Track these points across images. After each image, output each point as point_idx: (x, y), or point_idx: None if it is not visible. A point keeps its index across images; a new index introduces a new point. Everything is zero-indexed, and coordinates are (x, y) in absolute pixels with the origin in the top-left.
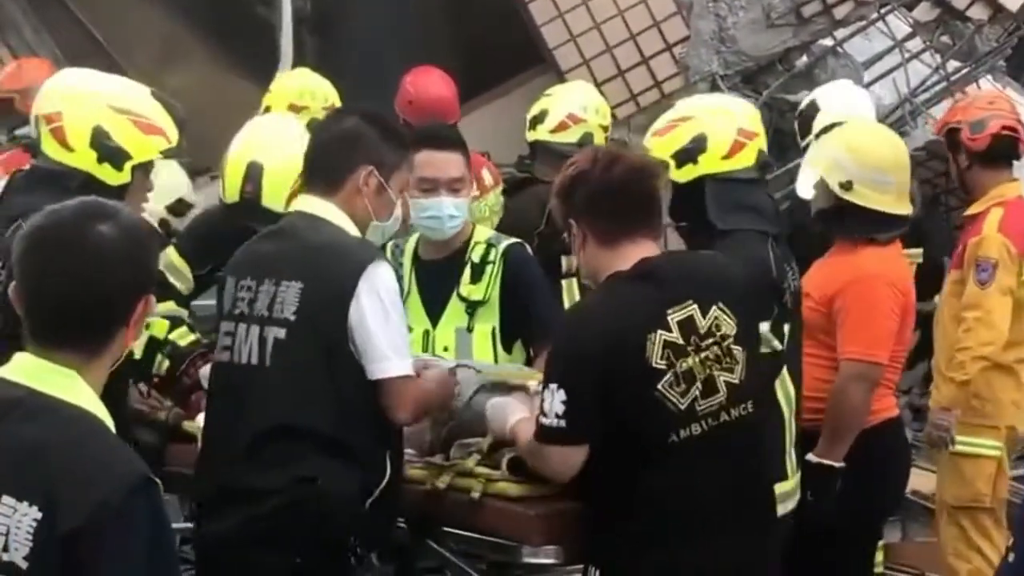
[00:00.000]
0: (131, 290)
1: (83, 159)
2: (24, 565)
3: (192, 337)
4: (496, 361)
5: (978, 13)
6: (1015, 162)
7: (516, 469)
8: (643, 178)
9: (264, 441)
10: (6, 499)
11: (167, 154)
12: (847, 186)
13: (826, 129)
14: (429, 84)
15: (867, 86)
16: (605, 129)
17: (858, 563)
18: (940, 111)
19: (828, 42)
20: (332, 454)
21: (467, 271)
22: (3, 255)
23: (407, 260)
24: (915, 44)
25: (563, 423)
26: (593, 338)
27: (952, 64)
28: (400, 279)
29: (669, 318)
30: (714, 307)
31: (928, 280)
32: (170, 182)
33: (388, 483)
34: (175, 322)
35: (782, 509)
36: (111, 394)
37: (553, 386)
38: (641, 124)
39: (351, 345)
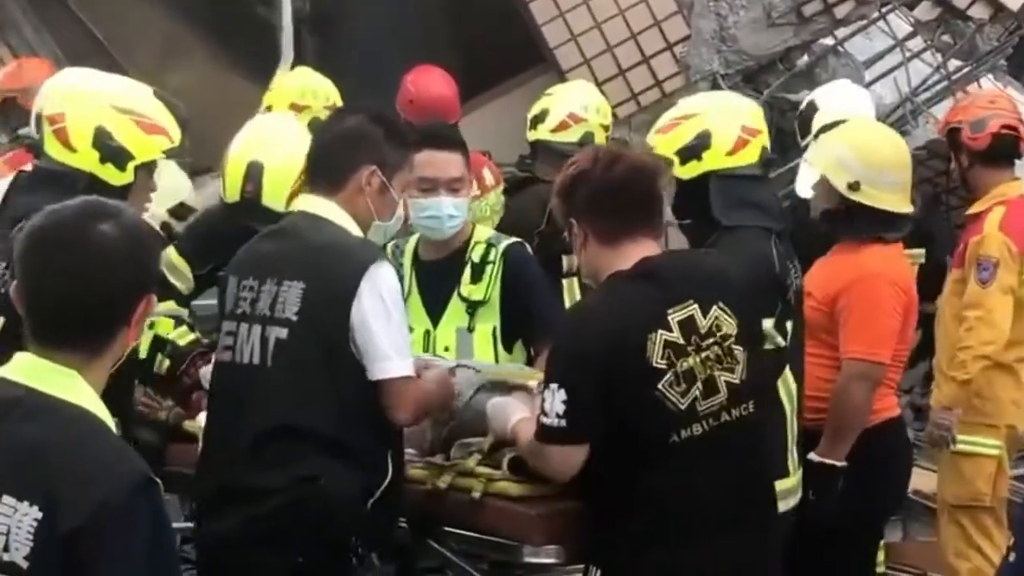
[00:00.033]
0: (132, 289)
1: (86, 159)
2: (25, 565)
3: (191, 336)
4: (497, 361)
5: (979, 12)
6: (1017, 161)
7: (517, 469)
8: (644, 177)
9: (266, 441)
10: (6, 499)
11: (170, 153)
12: (855, 186)
13: (825, 128)
14: (430, 83)
15: (868, 85)
16: (606, 128)
17: (860, 562)
18: (941, 110)
19: (829, 41)
20: (334, 454)
21: (467, 271)
22: (7, 256)
23: (407, 260)
24: (916, 43)
25: (564, 423)
26: (594, 338)
27: (953, 63)
28: (400, 279)
29: (670, 318)
30: (715, 307)
31: (931, 280)
32: (172, 186)
33: (390, 483)
34: (175, 321)
35: (783, 506)
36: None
37: (554, 386)
38: (642, 123)
39: (352, 345)
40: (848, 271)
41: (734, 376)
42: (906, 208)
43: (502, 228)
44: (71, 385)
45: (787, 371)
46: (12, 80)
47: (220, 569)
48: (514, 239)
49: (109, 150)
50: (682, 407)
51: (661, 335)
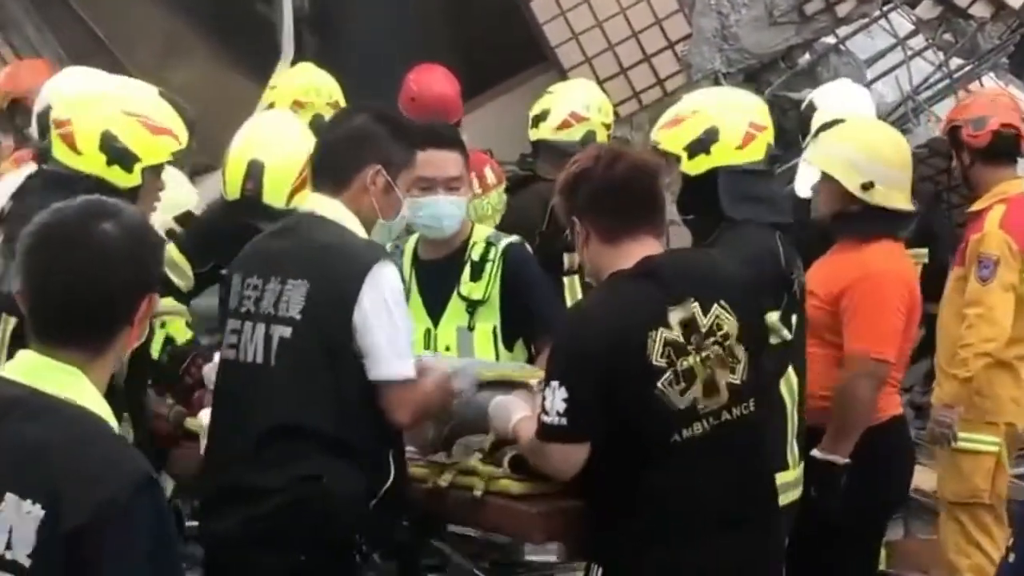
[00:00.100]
0: (134, 288)
1: (93, 163)
2: (27, 563)
3: (189, 334)
4: (498, 359)
5: (980, 11)
6: (1020, 159)
7: (518, 467)
8: (645, 176)
9: (269, 440)
10: (9, 497)
11: (177, 154)
12: (868, 187)
13: (823, 128)
14: (432, 82)
15: (870, 83)
16: (607, 127)
17: (862, 560)
18: (942, 108)
19: (831, 40)
20: (336, 454)
21: (467, 270)
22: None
23: (407, 260)
24: (918, 42)
25: (565, 421)
26: (595, 336)
27: (955, 62)
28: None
29: (670, 317)
30: (715, 306)
31: (934, 280)
32: (178, 196)
33: (393, 483)
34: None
35: (783, 499)
36: (130, 393)
37: (555, 384)
38: (643, 122)
39: (355, 346)
40: (852, 269)
41: (735, 376)
42: (911, 206)
43: (504, 227)
44: (74, 384)
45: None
46: (11, 82)
47: (223, 568)
48: (513, 238)
49: (115, 153)
50: (682, 406)
51: (661, 334)
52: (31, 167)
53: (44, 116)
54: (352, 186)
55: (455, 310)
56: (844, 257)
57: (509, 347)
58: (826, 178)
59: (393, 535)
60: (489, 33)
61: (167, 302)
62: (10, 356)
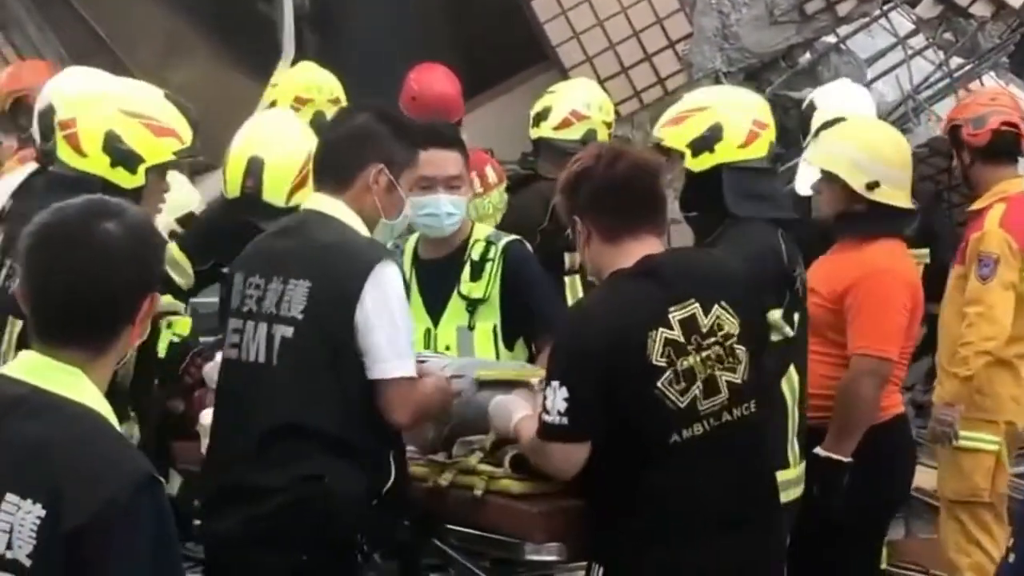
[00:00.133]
0: (136, 288)
1: (97, 164)
2: (28, 563)
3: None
4: (498, 359)
5: (981, 10)
6: (1021, 159)
7: (519, 467)
8: (646, 175)
9: (271, 440)
10: (9, 497)
11: (181, 154)
12: (874, 186)
13: (823, 127)
14: (433, 81)
15: (870, 83)
16: (608, 126)
17: (864, 559)
18: (943, 108)
19: (831, 39)
20: (338, 454)
21: (467, 269)
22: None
23: (407, 259)
24: (918, 41)
25: (565, 420)
26: (596, 335)
27: (955, 61)
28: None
29: (671, 316)
30: (716, 306)
31: (935, 280)
32: (181, 198)
33: (394, 483)
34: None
35: (784, 497)
36: (136, 393)
37: (555, 383)
38: (644, 121)
39: (356, 345)
40: (855, 268)
41: (736, 376)
42: (911, 204)
43: (505, 226)
44: (75, 383)
45: None
46: (12, 82)
47: (225, 567)
48: (513, 237)
49: (119, 154)
50: (681, 405)
51: (661, 333)
52: (33, 166)
53: (44, 115)
54: (355, 185)
55: (455, 309)
56: (847, 256)
57: (509, 346)
58: (829, 178)
59: (394, 535)
60: (490, 32)
61: (166, 299)
62: None
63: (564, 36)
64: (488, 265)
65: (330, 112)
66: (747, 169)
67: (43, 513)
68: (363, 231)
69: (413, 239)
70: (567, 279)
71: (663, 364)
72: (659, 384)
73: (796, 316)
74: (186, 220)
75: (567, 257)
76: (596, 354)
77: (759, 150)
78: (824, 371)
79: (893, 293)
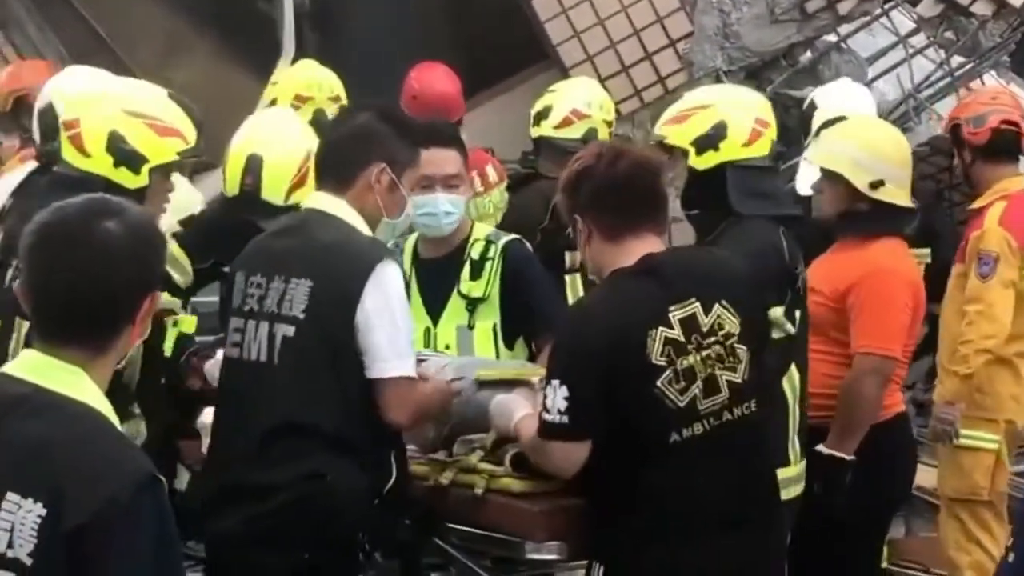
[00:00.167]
0: (137, 287)
1: (100, 164)
2: (29, 562)
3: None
4: (498, 357)
5: (982, 9)
6: (1021, 157)
7: (519, 465)
8: (647, 173)
9: (272, 438)
10: (10, 496)
11: (185, 154)
12: (877, 185)
13: (824, 126)
14: (434, 80)
15: (871, 82)
16: (609, 125)
17: (866, 557)
18: (944, 107)
19: (832, 38)
20: (339, 452)
21: (467, 268)
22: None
23: (407, 259)
24: (919, 40)
25: (566, 419)
26: (596, 334)
27: (956, 60)
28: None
29: (671, 315)
30: (717, 305)
31: (936, 280)
32: (184, 200)
33: (395, 482)
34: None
35: (784, 495)
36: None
37: (556, 382)
38: (645, 119)
39: (356, 344)
40: (857, 267)
41: (736, 375)
42: (912, 203)
43: (505, 225)
44: (76, 382)
45: None
46: (12, 82)
47: (224, 567)
48: (513, 236)
49: (123, 154)
50: (681, 405)
51: (661, 332)
52: (33, 165)
53: (44, 115)
54: (356, 184)
55: (455, 308)
56: (848, 255)
57: (509, 345)
58: (831, 177)
59: (396, 534)
60: (490, 31)
61: (164, 298)
62: None
63: (564, 35)
64: (488, 264)
65: (330, 110)
66: (751, 167)
67: (44, 512)
68: (365, 230)
69: (413, 238)
70: (568, 278)
71: (663, 363)
72: (659, 383)
73: (797, 314)
74: (188, 222)
75: (568, 256)
76: (596, 353)
77: (762, 148)
78: (826, 370)
79: (895, 292)
